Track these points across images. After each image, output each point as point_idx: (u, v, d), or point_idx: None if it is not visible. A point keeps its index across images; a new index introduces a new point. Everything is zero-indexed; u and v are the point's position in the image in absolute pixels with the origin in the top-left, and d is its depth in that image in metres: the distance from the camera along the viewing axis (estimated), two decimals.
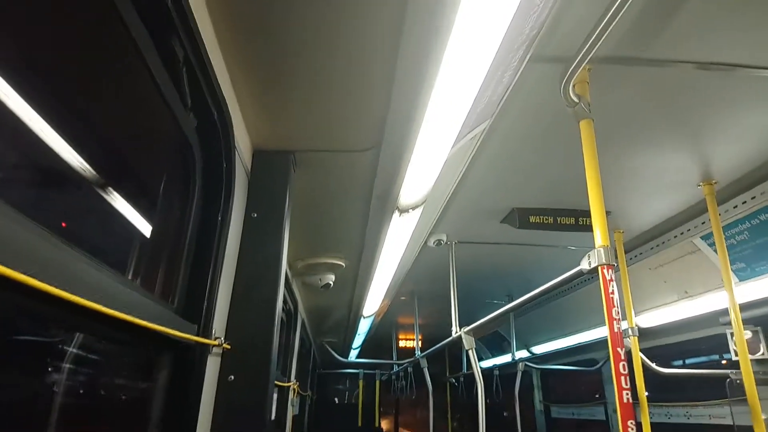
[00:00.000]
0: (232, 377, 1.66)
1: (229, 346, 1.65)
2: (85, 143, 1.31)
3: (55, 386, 1.27)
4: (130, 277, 1.38)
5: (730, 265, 2.93)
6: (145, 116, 1.37)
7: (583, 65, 1.77)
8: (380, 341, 8.84)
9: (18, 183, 1.18)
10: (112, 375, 1.49)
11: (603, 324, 1.79)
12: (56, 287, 0.73)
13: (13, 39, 1.04)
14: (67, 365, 1.23)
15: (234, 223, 1.71)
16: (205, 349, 1.49)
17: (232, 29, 1.45)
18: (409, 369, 8.47)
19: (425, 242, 3.92)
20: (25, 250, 0.72)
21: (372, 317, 5.87)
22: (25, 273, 0.66)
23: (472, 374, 3.90)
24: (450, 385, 10.59)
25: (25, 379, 1.33)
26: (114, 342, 1.37)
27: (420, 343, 6.65)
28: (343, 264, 3.86)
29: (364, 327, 6.54)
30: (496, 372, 8.42)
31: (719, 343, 4.16)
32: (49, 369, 1.31)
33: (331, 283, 4.06)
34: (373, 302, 4.97)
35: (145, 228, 1.49)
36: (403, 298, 5.86)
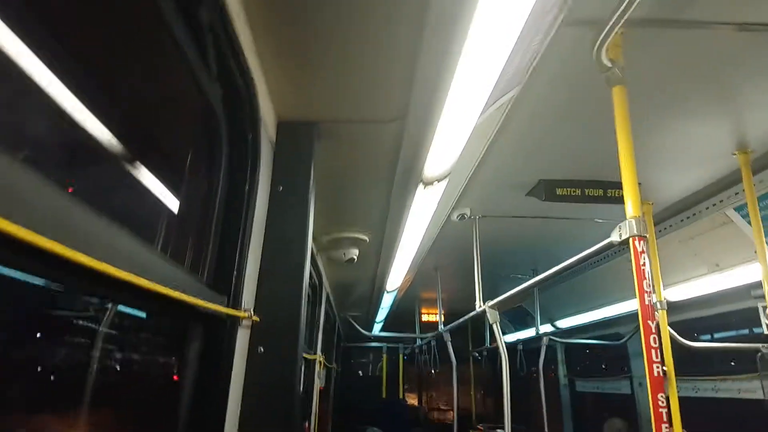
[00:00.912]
0: (262, 349, 1.68)
1: (258, 319, 1.66)
2: (112, 115, 1.31)
3: (92, 357, 1.30)
4: (161, 250, 1.39)
5: (765, 236, 2.84)
6: (171, 86, 1.37)
7: (617, 28, 1.69)
8: (403, 315, 8.90)
9: (47, 156, 1.19)
10: (147, 347, 1.52)
11: (628, 298, 1.77)
12: (91, 257, 0.73)
13: (36, 9, 1.03)
14: (104, 336, 1.26)
15: (260, 195, 1.71)
16: (235, 321, 1.50)
17: None
18: (432, 343, 8.53)
19: (448, 216, 3.89)
20: (60, 220, 0.72)
21: (395, 291, 5.90)
22: (61, 243, 0.66)
23: (496, 348, 3.90)
24: (473, 359, 10.66)
25: (60, 348, 1.36)
26: (147, 313, 1.40)
27: (443, 317, 6.67)
28: (367, 238, 3.86)
29: (387, 301, 6.58)
30: (520, 346, 8.42)
31: (749, 317, 4.09)
32: (85, 340, 1.34)
33: (355, 257, 4.07)
34: (396, 276, 4.99)
35: (174, 201, 1.49)
36: (426, 272, 5.86)
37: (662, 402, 1.68)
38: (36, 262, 0.68)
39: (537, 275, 3.05)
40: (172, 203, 1.50)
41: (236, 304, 1.49)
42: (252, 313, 1.62)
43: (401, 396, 10.96)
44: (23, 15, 0.94)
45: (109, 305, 1.28)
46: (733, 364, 4.59)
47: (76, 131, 1.25)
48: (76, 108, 1.21)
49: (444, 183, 2.58)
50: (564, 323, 6.90)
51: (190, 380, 1.38)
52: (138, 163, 1.36)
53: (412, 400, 11.28)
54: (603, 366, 7.23)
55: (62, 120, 1.20)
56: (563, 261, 2.58)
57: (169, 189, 1.48)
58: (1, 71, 0.92)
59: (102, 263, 0.77)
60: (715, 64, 2.10)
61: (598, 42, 1.76)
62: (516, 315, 8.70)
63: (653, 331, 1.75)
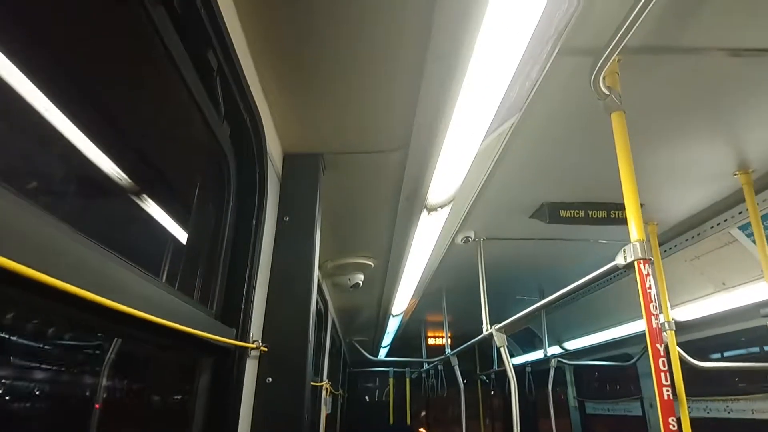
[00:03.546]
0: (270, 379, 1.68)
1: (266, 349, 1.67)
2: (125, 154, 1.35)
3: (104, 390, 1.31)
4: (170, 283, 1.41)
5: None
6: (181, 126, 1.41)
7: (614, 56, 1.73)
8: (410, 339, 8.83)
9: (64, 194, 1.22)
10: (157, 379, 1.52)
11: (637, 318, 1.77)
12: (101, 296, 0.75)
13: (55, 54, 1.07)
14: (117, 370, 1.27)
15: (267, 226, 1.74)
16: (244, 353, 1.51)
17: (262, 38, 1.47)
18: (440, 367, 8.44)
19: (453, 240, 3.90)
20: (71, 259, 0.74)
21: (401, 315, 5.87)
22: (71, 283, 0.67)
23: (504, 371, 3.87)
24: (481, 382, 10.52)
25: (74, 382, 1.37)
26: (157, 347, 1.41)
27: (450, 340, 6.61)
28: (372, 264, 3.87)
29: (393, 325, 6.55)
30: (528, 369, 8.32)
31: (759, 336, 4.05)
32: (98, 374, 1.35)
33: (360, 282, 4.08)
34: (401, 301, 4.97)
35: (183, 235, 1.52)
36: (431, 295, 5.85)
37: (673, 425, 1.66)
38: (44, 300, 0.68)
39: (544, 297, 3.05)
40: (182, 237, 1.53)
41: (245, 335, 1.50)
42: (260, 343, 1.63)
43: (408, 422, 10.79)
44: (49, 64, 0.98)
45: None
46: (738, 382, 4.52)
47: (90, 170, 1.28)
48: (90, 148, 1.25)
49: (447, 209, 2.60)
50: (572, 344, 6.83)
51: (201, 412, 1.39)
52: (148, 199, 1.39)
53: (420, 425, 11.11)
54: (613, 387, 7.13)
55: (77, 159, 1.23)
56: (570, 282, 2.58)
57: (178, 223, 1.51)
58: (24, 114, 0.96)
59: (114, 302, 0.78)
60: (712, 87, 2.13)
61: (596, 70, 1.80)
62: (524, 336, 8.63)
63: (662, 354, 1.74)
